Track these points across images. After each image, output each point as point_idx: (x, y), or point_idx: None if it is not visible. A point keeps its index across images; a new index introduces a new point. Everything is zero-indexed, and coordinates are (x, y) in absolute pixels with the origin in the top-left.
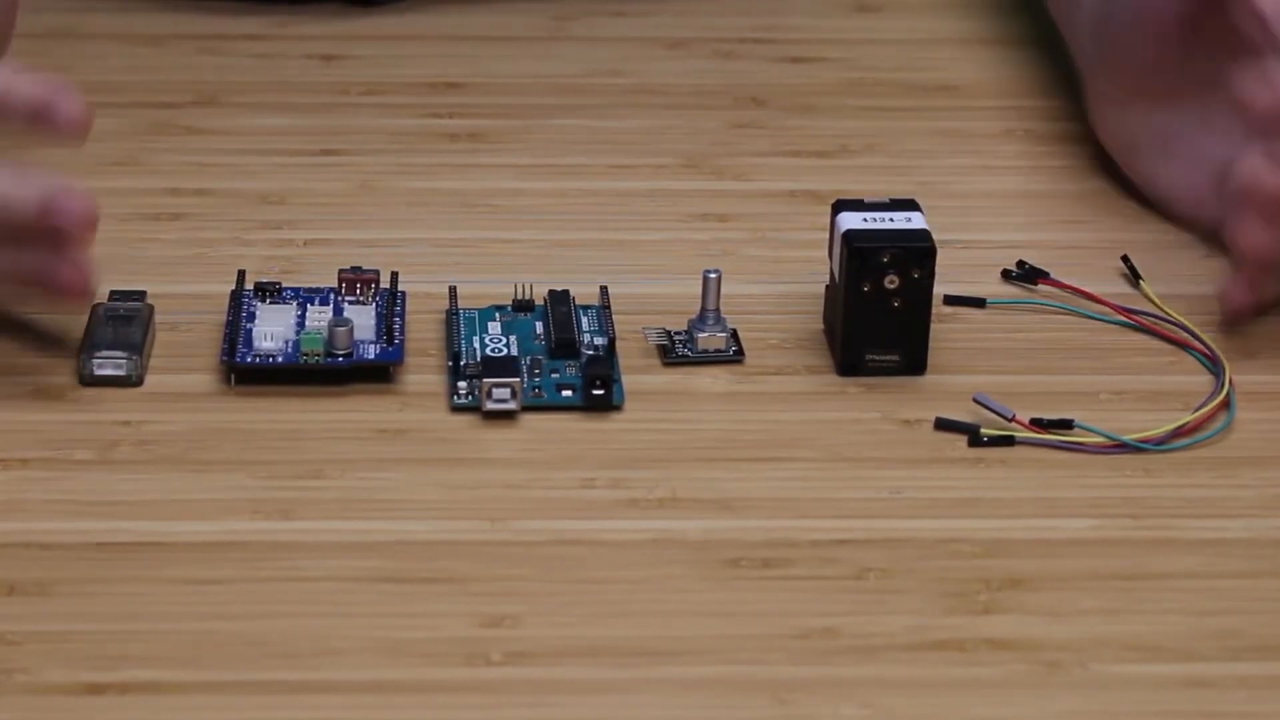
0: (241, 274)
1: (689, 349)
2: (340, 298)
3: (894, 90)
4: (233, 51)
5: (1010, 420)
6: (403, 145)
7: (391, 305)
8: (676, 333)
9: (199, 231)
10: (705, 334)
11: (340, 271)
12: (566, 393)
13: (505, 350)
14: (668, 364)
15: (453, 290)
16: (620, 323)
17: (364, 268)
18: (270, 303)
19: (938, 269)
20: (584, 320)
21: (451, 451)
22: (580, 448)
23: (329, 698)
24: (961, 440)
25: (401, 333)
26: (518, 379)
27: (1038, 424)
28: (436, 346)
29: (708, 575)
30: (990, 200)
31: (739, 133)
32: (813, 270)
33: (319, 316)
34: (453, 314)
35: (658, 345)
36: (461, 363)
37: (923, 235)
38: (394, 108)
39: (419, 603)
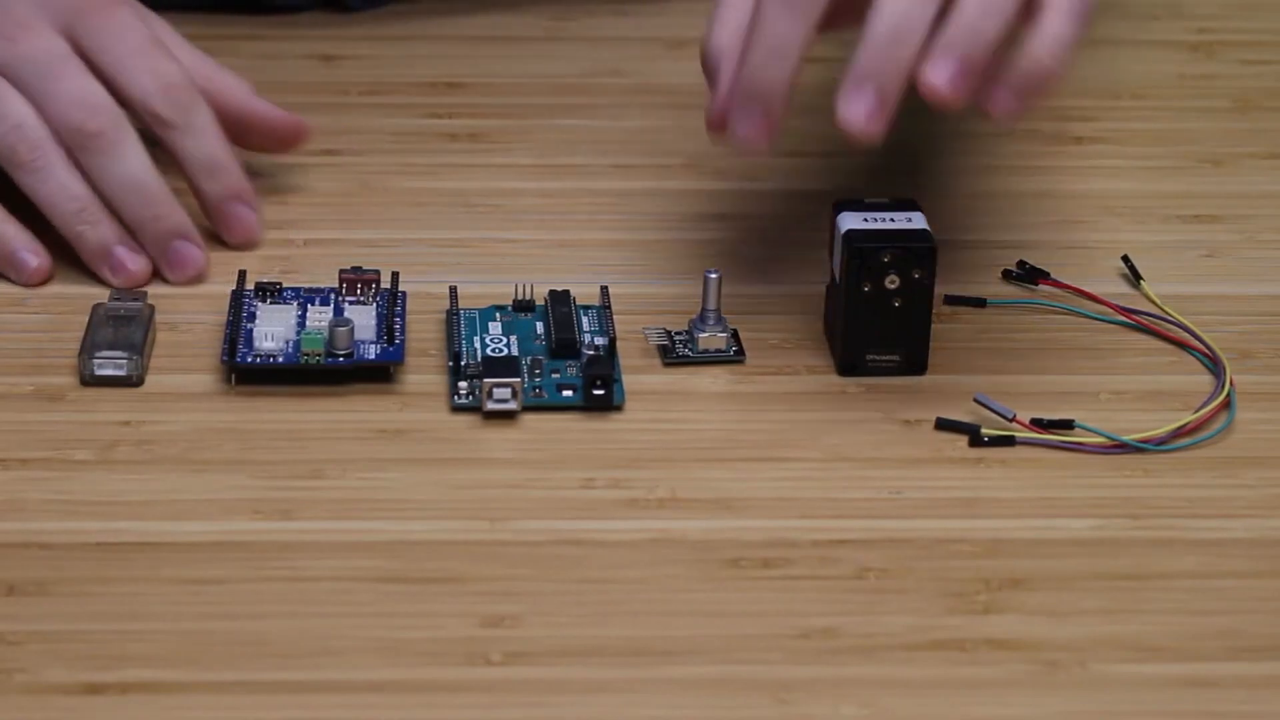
0: (242, 274)
1: (689, 349)
2: (341, 298)
3: None
4: (233, 52)
5: (1010, 420)
6: (403, 145)
7: (392, 305)
8: (677, 333)
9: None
10: (705, 334)
11: (341, 271)
12: (567, 393)
13: (505, 350)
14: (668, 364)
15: (453, 290)
16: (620, 323)
17: (364, 268)
18: (270, 303)
19: (938, 269)
20: (584, 320)
21: (451, 451)
22: (580, 448)
23: (329, 698)
24: (961, 440)
25: (402, 333)
26: (518, 379)
27: (1038, 424)
28: (437, 346)
29: (708, 575)
30: (990, 200)
31: None
32: (813, 270)
33: (319, 316)
34: (453, 314)
35: (658, 345)
36: (462, 363)
37: (923, 235)
38: (394, 108)
39: (419, 603)
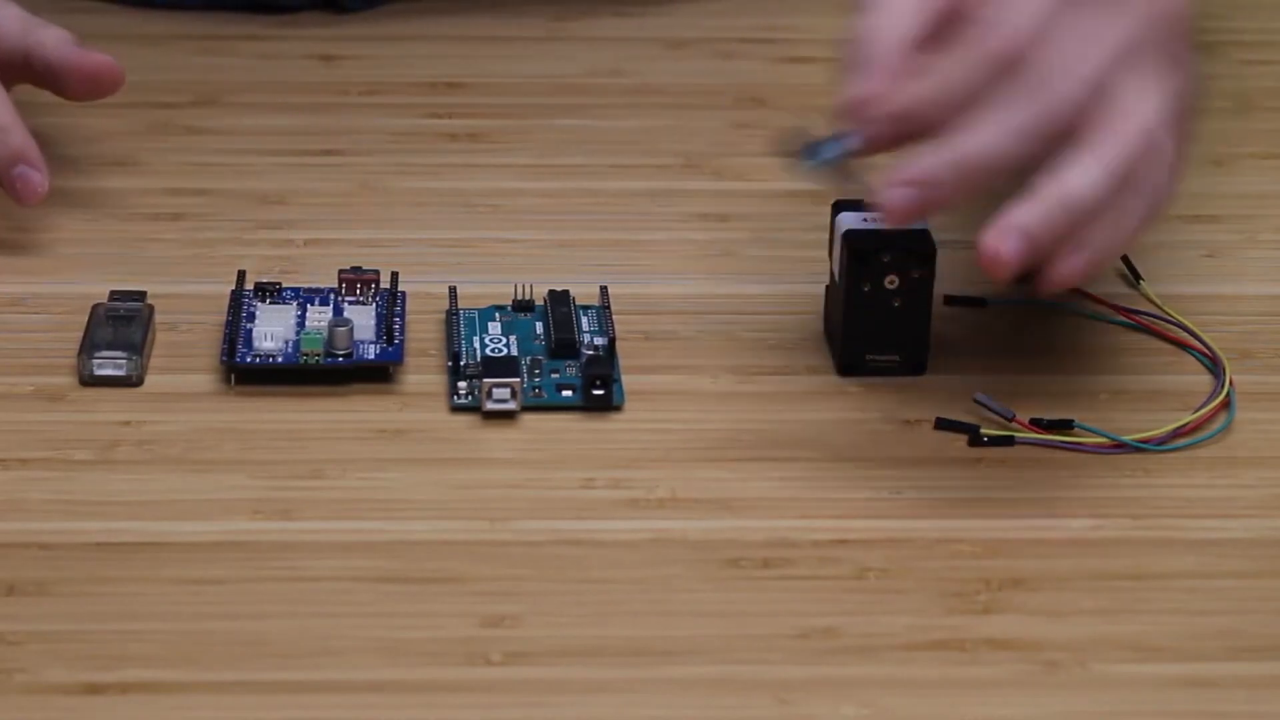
0: (241, 274)
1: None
2: (340, 298)
3: None
4: (233, 52)
5: (1010, 420)
6: (403, 145)
7: (391, 305)
8: (812, 141)
9: (199, 231)
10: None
11: (340, 271)
12: (566, 393)
13: (505, 350)
14: (805, 169)
15: (453, 290)
16: (620, 323)
17: (364, 268)
18: (270, 303)
19: (938, 269)
20: (584, 320)
21: (451, 451)
22: (580, 448)
23: (329, 698)
24: (961, 440)
25: (401, 333)
26: (518, 379)
27: (1038, 424)
28: (436, 346)
29: (708, 575)
30: (990, 200)
31: (739, 133)
32: (813, 270)
33: (319, 316)
34: (453, 314)
35: (797, 148)
36: (461, 363)
37: (923, 235)
38: (394, 108)
39: (419, 603)
